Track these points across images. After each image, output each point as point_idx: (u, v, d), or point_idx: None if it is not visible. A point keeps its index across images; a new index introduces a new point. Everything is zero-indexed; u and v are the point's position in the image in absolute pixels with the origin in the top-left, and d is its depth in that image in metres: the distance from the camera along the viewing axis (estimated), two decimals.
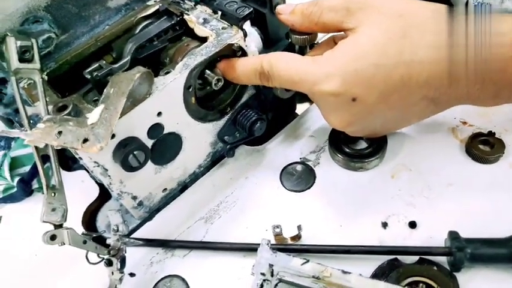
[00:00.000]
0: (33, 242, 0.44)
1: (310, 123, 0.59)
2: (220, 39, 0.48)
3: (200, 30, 0.51)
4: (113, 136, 0.43)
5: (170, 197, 0.55)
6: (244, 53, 0.50)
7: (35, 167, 0.60)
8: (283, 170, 0.54)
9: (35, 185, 0.60)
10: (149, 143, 0.47)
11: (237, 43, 0.49)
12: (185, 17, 0.52)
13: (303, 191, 0.52)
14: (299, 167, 0.54)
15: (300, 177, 0.53)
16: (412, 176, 0.50)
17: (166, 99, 0.46)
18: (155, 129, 0.47)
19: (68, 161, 0.62)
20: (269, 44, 0.55)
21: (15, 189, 0.59)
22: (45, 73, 0.46)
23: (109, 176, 0.46)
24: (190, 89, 0.48)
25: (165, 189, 0.54)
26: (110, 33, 0.52)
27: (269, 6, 0.53)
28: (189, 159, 0.54)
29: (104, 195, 0.59)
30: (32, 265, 0.52)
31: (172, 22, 0.53)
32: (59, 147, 0.40)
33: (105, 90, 0.41)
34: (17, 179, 0.59)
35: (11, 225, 0.57)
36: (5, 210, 0.58)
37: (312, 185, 0.52)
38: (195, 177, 0.57)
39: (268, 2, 0.52)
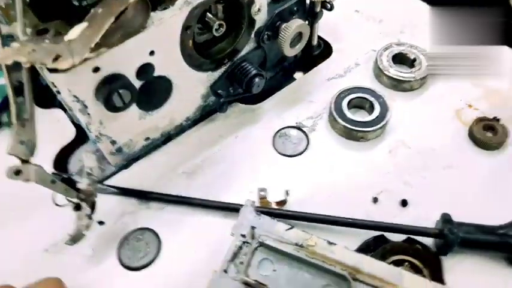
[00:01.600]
0: None
1: (311, 88, 0.55)
2: None
3: None
4: (98, 69, 0.39)
5: (152, 146, 0.52)
6: (251, 0, 0.46)
7: (6, 100, 0.55)
8: (276, 133, 0.51)
9: (4, 119, 0.55)
10: (137, 84, 0.43)
11: None
12: None
13: (294, 156, 0.49)
14: (293, 132, 0.51)
15: (293, 142, 0.50)
16: (410, 154, 0.48)
17: (162, 37, 0.42)
18: (145, 70, 0.43)
19: (45, 96, 0.57)
20: None
21: None
22: None
23: (88, 114, 0.42)
24: (189, 31, 0.43)
25: (148, 138, 0.50)
26: None
27: None
28: (177, 109, 0.50)
29: (80, 137, 0.55)
30: None
31: None
32: (28, 64, 0.36)
33: (92, 10, 0.37)
34: None
35: None
36: None
37: (304, 151, 0.49)
38: (181, 130, 0.53)
39: None
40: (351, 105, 0.51)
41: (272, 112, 0.53)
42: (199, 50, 0.47)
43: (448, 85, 0.53)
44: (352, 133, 0.49)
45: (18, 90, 0.40)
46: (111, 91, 0.40)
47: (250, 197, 0.44)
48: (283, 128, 0.51)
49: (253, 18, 0.48)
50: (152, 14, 0.40)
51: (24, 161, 0.39)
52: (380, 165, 0.47)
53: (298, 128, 0.51)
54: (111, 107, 0.41)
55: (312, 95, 0.54)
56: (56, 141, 0.53)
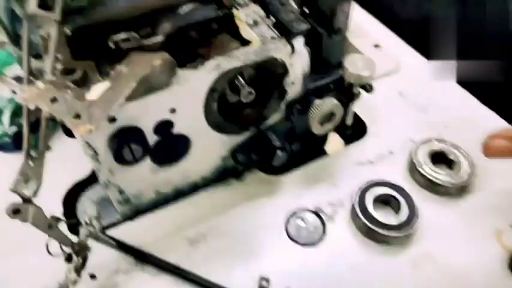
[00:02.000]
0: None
1: (337, 170, 0.51)
2: (265, 49, 0.42)
3: (246, 32, 0.45)
4: (114, 120, 0.38)
5: (162, 202, 0.49)
6: (285, 72, 0.44)
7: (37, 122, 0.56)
8: (292, 214, 0.47)
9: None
10: (153, 138, 0.41)
11: (281, 58, 0.42)
12: (235, 11, 0.46)
13: (306, 245, 0.44)
14: (310, 217, 0.47)
15: (308, 228, 0.46)
16: (437, 272, 0.41)
17: (185, 97, 0.40)
18: (164, 126, 0.41)
19: None
20: (318, 70, 0.48)
21: (8, 139, 0.54)
22: (70, 28, 0.41)
23: (98, 161, 0.41)
24: (215, 94, 0.42)
25: (158, 191, 0.48)
26: (151, 5, 0.47)
27: (329, 27, 0.46)
28: (193, 167, 0.47)
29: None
30: None
31: (219, 14, 0.47)
32: (48, 116, 0.35)
33: (117, 67, 0.36)
34: (15, 129, 0.54)
35: None
36: None
37: (318, 242, 0.45)
38: (194, 188, 0.50)
39: (330, 21, 0.46)
40: (377, 200, 0.46)
41: (292, 188, 0.49)
42: (224, 112, 0.45)
43: (491, 199, 0.47)
44: (374, 234, 0.43)
45: (34, 126, 0.39)
46: (122, 144, 0.38)
47: (251, 284, 0.40)
48: (300, 210, 0.47)
49: (285, 89, 0.45)
50: (180, 72, 0.39)
51: (26, 201, 0.37)
52: (399, 279, 0.41)
53: (316, 214, 0.47)
54: (120, 160, 0.39)
55: (336, 178, 0.50)
56: (73, 172, 0.52)
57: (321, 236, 0.45)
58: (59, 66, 0.38)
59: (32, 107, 0.36)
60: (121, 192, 0.46)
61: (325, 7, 0.46)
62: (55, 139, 0.54)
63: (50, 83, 0.36)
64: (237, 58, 0.41)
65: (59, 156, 0.51)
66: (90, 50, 0.43)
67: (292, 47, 0.43)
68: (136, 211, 0.48)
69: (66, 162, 0.51)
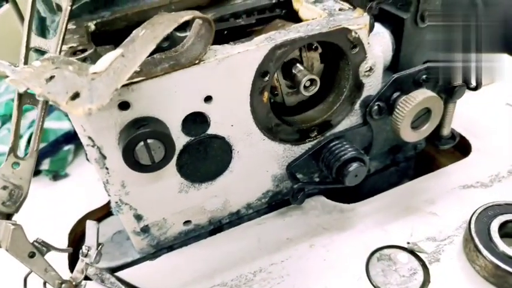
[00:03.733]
0: None
1: (434, 195, 0.38)
2: (333, 20, 0.32)
3: (307, 10, 0.36)
4: (126, 106, 0.28)
5: (193, 236, 0.38)
6: (361, 51, 0.32)
7: (52, 144, 0.48)
8: (374, 252, 0.34)
9: (44, 165, 0.47)
10: (182, 140, 0.31)
11: (355, 31, 0.31)
12: None
13: None
14: (402, 257, 0.34)
15: (400, 273, 0.32)
16: None
17: (225, 79, 0.30)
18: (196, 122, 0.31)
19: None
20: (396, 65, 0.36)
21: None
22: (94, 22, 0.36)
23: (106, 169, 0.30)
24: (267, 78, 0.31)
25: (189, 221, 0.37)
26: (191, 0, 0.39)
27: (414, 11, 0.35)
28: (235, 189, 0.36)
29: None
30: None
31: (273, 1, 0.39)
32: (41, 98, 0.27)
33: (133, 32, 0.26)
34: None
35: None
36: None
37: None
38: (236, 220, 0.39)
39: (414, 5, 0.35)
40: (505, 231, 0.31)
41: (371, 220, 0.37)
42: (279, 112, 0.34)
43: None
44: (508, 278, 0.29)
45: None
46: (135, 138, 0.27)
47: None
48: (385, 247, 0.34)
49: (360, 80, 0.34)
50: (218, 47, 0.29)
51: (2, 215, 0.28)
52: None
53: (411, 253, 0.33)
54: (132, 162, 0.28)
55: (435, 205, 0.38)
56: (91, 201, 0.44)
57: (422, 284, 0.30)
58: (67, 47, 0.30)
59: (21, 89, 0.27)
60: (138, 217, 0.34)
61: None
62: (75, 165, 0.48)
63: (47, 61, 0.27)
64: (296, 30, 0.31)
65: (75, 184, 0.46)
66: (112, 39, 0.36)
67: (371, 18, 0.32)
68: (158, 246, 0.37)
69: (83, 192, 0.45)
